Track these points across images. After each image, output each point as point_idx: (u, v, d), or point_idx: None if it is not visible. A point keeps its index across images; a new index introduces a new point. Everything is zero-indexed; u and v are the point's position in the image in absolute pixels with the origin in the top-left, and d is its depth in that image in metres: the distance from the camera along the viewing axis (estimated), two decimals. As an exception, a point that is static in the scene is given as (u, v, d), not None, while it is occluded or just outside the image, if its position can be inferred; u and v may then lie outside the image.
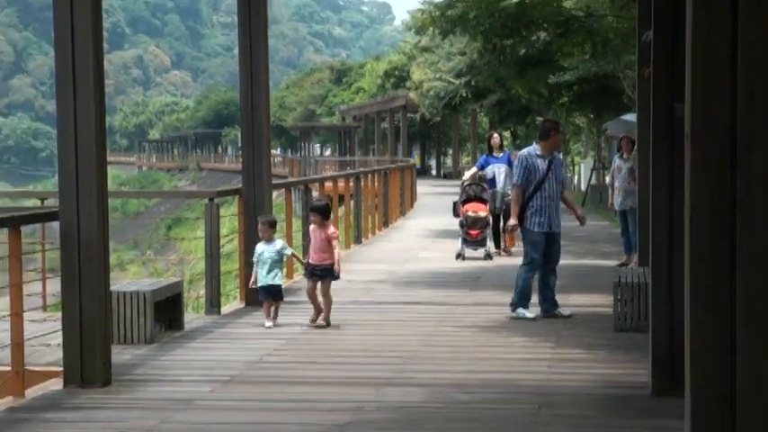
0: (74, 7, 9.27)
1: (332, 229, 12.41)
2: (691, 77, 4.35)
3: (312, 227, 12.40)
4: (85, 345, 9.35)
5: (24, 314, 9.22)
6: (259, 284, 12.27)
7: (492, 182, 19.64)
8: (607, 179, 29.11)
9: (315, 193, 21.29)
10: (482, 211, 19.32)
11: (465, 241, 19.44)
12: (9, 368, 9.09)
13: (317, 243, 12.22)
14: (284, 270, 12.59)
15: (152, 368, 10.24)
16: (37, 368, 9.97)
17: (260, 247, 12.33)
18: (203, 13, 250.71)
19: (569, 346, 11.18)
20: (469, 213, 19.30)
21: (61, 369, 9.49)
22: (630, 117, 26.53)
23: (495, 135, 20.86)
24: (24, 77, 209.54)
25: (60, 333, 9.54)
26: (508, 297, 14.00)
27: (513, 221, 13.05)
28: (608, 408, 8.58)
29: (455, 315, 13.31)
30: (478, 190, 19.65)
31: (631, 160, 18.10)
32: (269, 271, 12.18)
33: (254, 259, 12.39)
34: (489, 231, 19.56)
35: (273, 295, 12.24)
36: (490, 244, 19.53)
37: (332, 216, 13.16)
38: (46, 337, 11.00)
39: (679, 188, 7.38)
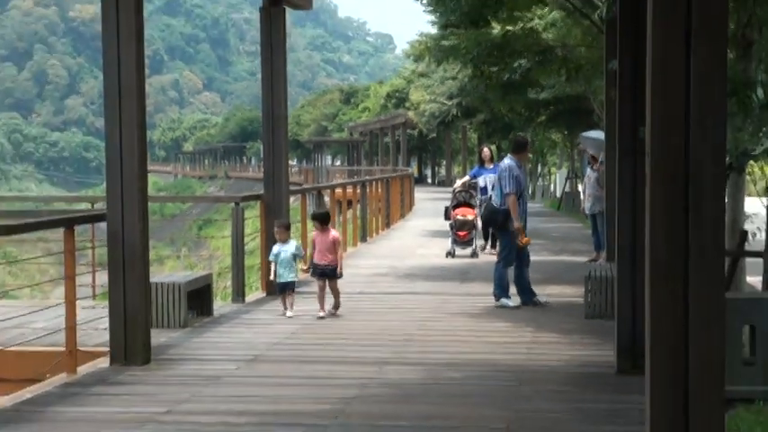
0: (120, 37, 9.29)
1: (335, 233, 12.40)
2: (650, 104, 4.36)
3: (315, 233, 12.38)
4: (128, 328, 9.38)
5: (77, 302, 9.24)
6: (278, 281, 12.26)
7: (483, 190, 19.48)
8: (580, 187, 29.21)
9: (326, 198, 21.28)
10: (470, 214, 19.18)
11: (455, 241, 19.35)
12: (64, 348, 9.12)
13: (322, 246, 12.17)
14: (298, 267, 12.47)
15: (185, 349, 10.25)
16: (87, 349, 9.99)
17: (276, 248, 12.33)
18: (231, 43, 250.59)
19: (546, 331, 11.18)
20: (458, 217, 19.21)
21: (108, 349, 9.51)
22: (592, 133, 26.51)
23: (486, 149, 20.80)
24: (77, 98, 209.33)
25: (107, 318, 9.55)
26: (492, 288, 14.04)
27: (518, 224, 12.86)
28: (579, 384, 8.58)
29: (447, 304, 13.31)
30: (467, 196, 19.57)
31: (596, 170, 18.41)
32: (285, 269, 12.17)
33: (271, 259, 12.40)
34: (476, 233, 19.38)
35: (288, 290, 12.24)
36: (477, 243, 19.34)
37: (331, 221, 13.00)
38: (95, 321, 11.01)
39: (641, 197, 7.39)
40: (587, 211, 18.72)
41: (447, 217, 19.73)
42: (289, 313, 12.08)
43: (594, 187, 18.36)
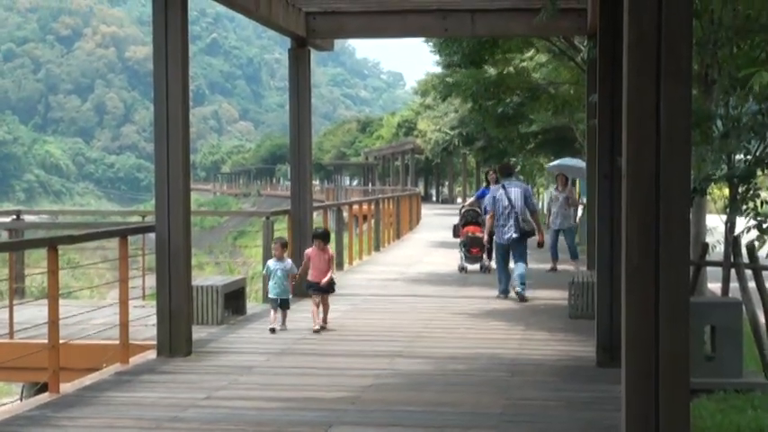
0: (168, 75, 9.32)
1: (331, 251, 11.36)
2: (626, 133, 4.36)
3: (313, 250, 11.06)
4: (173, 325, 9.38)
5: (129, 302, 9.24)
6: (270, 296, 11.17)
7: (485, 210, 18.53)
8: (545, 206, 29.31)
9: (345, 214, 21.26)
10: (479, 232, 17.34)
11: (467, 257, 17.82)
12: (118, 342, 9.13)
13: (320, 264, 11.00)
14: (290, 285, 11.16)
15: (222, 343, 10.24)
16: (137, 342, 10.00)
17: (272, 264, 11.16)
18: (263, 80, 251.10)
19: (535, 329, 11.16)
20: (470, 234, 17.63)
21: (155, 343, 9.51)
22: (567, 161, 26.60)
23: (492, 172, 19.50)
24: (131, 126, 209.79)
25: (155, 316, 9.56)
26: (490, 292, 14.09)
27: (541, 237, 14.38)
28: (564, 375, 8.56)
29: (449, 305, 13.29)
30: (474, 215, 17.94)
31: (566, 191, 18.61)
32: (279, 285, 11.03)
33: (265, 273, 11.45)
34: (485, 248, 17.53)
35: (282, 306, 11.09)
36: (485, 258, 17.66)
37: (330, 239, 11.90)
38: (144, 319, 11.01)
39: (617, 214, 7.36)
40: (554, 227, 18.60)
41: (456, 234, 18.31)
42: (273, 326, 10.90)
43: (563, 206, 18.45)
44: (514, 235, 13.73)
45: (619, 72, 5.03)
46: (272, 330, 10.83)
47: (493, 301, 13.53)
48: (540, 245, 14.53)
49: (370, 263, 20.31)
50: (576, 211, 22.49)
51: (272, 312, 11.09)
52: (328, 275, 11.01)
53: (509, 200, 13.85)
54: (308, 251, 11.17)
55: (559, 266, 18.21)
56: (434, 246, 25.08)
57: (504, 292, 13.92)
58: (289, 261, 11.28)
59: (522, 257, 13.84)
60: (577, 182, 31.92)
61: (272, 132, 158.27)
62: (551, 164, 27.49)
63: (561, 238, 18.58)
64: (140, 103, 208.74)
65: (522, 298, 13.55)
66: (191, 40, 11.32)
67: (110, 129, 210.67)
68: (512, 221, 13.79)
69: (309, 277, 11.05)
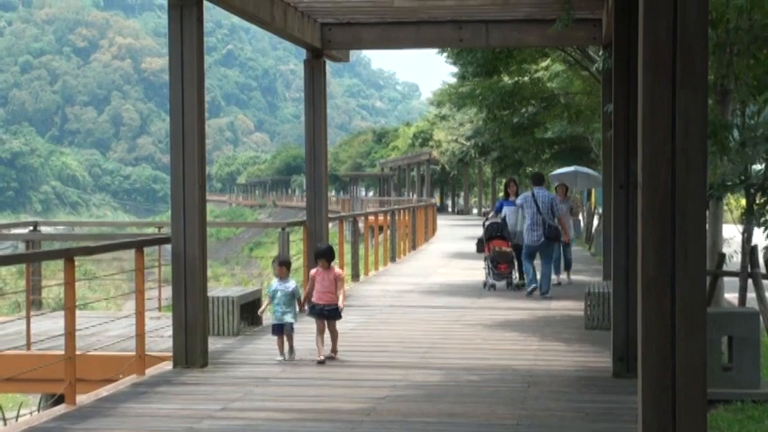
0: (184, 86, 9.36)
1: (338, 270, 9.98)
2: (642, 141, 4.35)
3: (318, 270, 9.86)
4: (189, 336, 9.39)
5: (145, 313, 9.26)
6: (273, 321, 10.03)
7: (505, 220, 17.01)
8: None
9: (360, 225, 21.26)
10: (506, 246, 16.28)
11: (494, 274, 16.38)
12: (134, 353, 9.14)
13: (325, 284, 9.76)
14: (296, 308, 10.03)
15: (238, 354, 10.25)
16: (154, 353, 10.02)
17: (274, 285, 9.98)
18: (279, 91, 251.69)
19: (551, 340, 11.13)
20: (496, 249, 16.24)
21: (171, 354, 9.52)
22: (566, 169, 26.40)
23: (513, 183, 17.69)
24: (147, 137, 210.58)
25: (171, 327, 9.57)
26: (505, 303, 14.09)
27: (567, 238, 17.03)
28: (580, 386, 8.53)
29: (465, 316, 13.27)
30: (499, 228, 16.50)
31: (569, 201, 18.47)
32: (281, 309, 9.86)
33: (268, 293, 10.12)
34: (515, 263, 16.52)
35: (286, 332, 9.91)
36: (514, 274, 16.57)
37: (336, 257, 10.60)
38: (160, 330, 11.04)
39: (633, 224, 7.35)
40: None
41: (480, 249, 16.90)
42: (279, 357, 9.85)
43: (567, 216, 17.97)
44: (543, 238, 15.31)
45: (634, 82, 5.03)
46: (282, 360, 9.80)
47: (508, 312, 13.51)
48: (567, 244, 17.00)
49: (386, 274, 20.31)
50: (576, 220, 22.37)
51: (277, 340, 9.94)
52: (340, 299, 9.81)
53: (537, 206, 15.34)
54: (313, 272, 10.01)
55: (578, 277, 18.14)
56: (450, 257, 25.05)
57: (532, 284, 15.47)
58: (292, 282, 10.00)
59: (549, 259, 15.48)
60: (592, 192, 31.85)
61: (287, 143, 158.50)
62: (554, 172, 27.34)
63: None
64: (156, 114, 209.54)
65: (545, 295, 15.16)
66: (206, 52, 11.37)
67: (126, 140, 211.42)
68: (540, 225, 15.34)
69: (313, 299, 9.87)
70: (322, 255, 9.92)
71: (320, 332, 9.81)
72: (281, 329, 9.89)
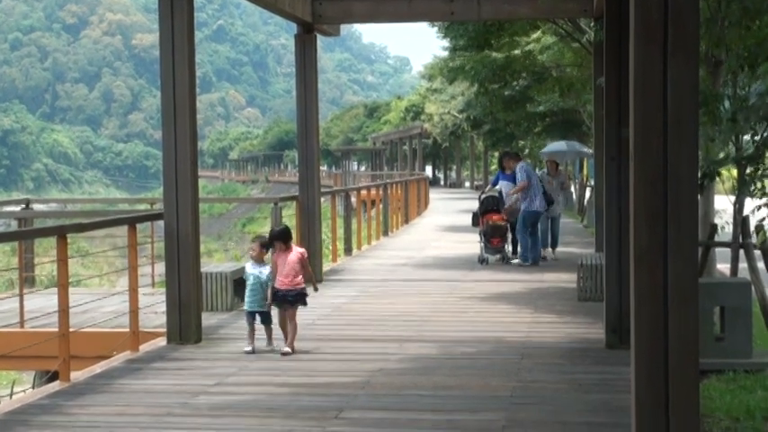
0: (175, 62, 9.32)
1: (299, 249, 8.98)
2: (633, 111, 4.34)
3: (277, 254, 8.84)
4: (183, 312, 9.39)
5: (138, 289, 9.26)
6: (245, 307, 9.16)
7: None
8: None
9: (353, 199, 21.22)
10: (500, 220, 16.12)
11: (487, 248, 16.26)
12: (128, 330, 9.14)
13: (286, 267, 8.74)
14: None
15: (232, 329, 10.24)
16: (147, 330, 10.03)
17: (248, 269, 9.07)
18: (270, 66, 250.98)
19: (544, 312, 11.15)
20: (490, 223, 16.09)
21: (165, 330, 9.53)
22: (557, 145, 26.36)
23: (508, 157, 17.23)
24: (139, 113, 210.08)
25: (164, 303, 9.57)
26: (499, 276, 14.10)
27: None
28: (573, 357, 8.55)
29: (458, 289, 13.29)
30: (494, 201, 16.36)
31: (560, 175, 18.39)
32: (253, 295, 9.02)
33: (244, 277, 9.33)
34: (509, 237, 16.44)
35: (263, 322, 9.06)
36: (507, 248, 16.45)
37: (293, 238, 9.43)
38: (154, 306, 11.04)
39: (625, 196, 7.35)
40: (554, 214, 17.32)
41: (475, 223, 16.61)
42: (247, 348, 8.89)
43: (557, 191, 17.77)
44: (545, 205, 16.22)
45: (625, 54, 5.01)
46: (250, 352, 8.85)
47: (502, 285, 13.53)
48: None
49: (379, 248, 20.32)
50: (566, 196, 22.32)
51: (248, 329, 9.03)
52: (304, 282, 8.86)
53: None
54: (273, 256, 8.99)
55: (570, 249, 18.17)
56: (443, 230, 25.07)
57: (524, 259, 15.90)
58: (267, 267, 9.00)
59: (542, 228, 16.57)
60: (584, 163, 31.85)
61: (279, 118, 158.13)
62: (543, 150, 27.30)
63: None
64: (147, 90, 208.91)
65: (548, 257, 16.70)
66: (197, 27, 11.30)
67: (117, 117, 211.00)
68: (540, 194, 16.13)
69: (276, 284, 8.84)
70: (276, 237, 8.88)
71: (282, 320, 8.94)
72: (253, 317, 9.04)
